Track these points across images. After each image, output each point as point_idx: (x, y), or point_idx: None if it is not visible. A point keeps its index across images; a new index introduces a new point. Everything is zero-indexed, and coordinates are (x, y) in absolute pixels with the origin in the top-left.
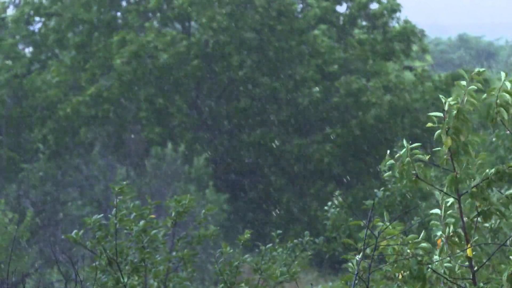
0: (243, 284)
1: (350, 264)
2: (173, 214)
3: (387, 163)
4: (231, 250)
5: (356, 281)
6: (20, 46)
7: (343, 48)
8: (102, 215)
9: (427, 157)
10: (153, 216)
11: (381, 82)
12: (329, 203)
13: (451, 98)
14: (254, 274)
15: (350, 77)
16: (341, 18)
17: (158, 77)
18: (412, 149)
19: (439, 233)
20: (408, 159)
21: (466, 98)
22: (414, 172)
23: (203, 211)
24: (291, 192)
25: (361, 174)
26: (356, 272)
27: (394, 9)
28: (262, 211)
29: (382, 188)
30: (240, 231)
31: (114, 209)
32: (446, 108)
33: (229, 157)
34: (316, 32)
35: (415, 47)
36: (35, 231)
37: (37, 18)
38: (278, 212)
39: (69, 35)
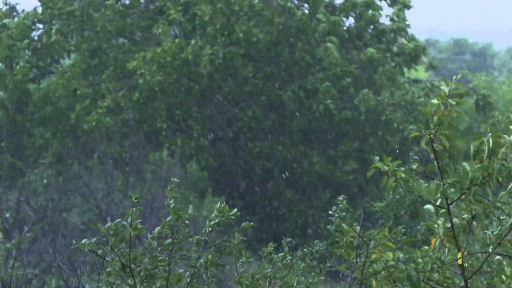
0: None
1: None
2: (208, 223)
3: (370, 173)
4: (251, 259)
5: None
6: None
7: (350, 62)
8: (119, 220)
9: (415, 166)
10: (187, 222)
11: (395, 100)
12: (334, 208)
13: (434, 104)
14: (265, 282)
15: (368, 92)
16: (347, 33)
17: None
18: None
19: (433, 229)
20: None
21: (448, 106)
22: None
23: (244, 224)
24: (299, 204)
25: (368, 185)
26: (350, 280)
27: (403, 28)
28: (268, 222)
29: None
30: (249, 241)
31: (130, 217)
32: (428, 117)
33: (234, 167)
34: (328, 44)
35: (423, 62)
36: (35, 238)
37: (39, 25)
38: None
39: (78, 38)
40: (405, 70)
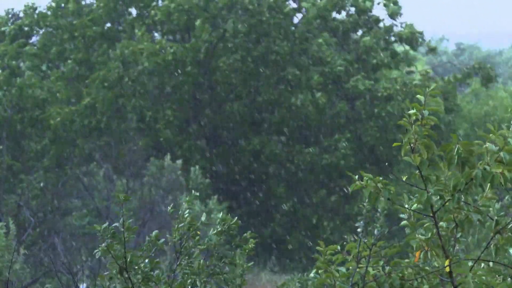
0: None
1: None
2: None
3: (352, 189)
4: (239, 261)
5: None
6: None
7: (344, 56)
8: (116, 224)
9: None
10: (199, 232)
11: (389, 90)
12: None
13: (412, 114)
14: None
15: (357, 78)
16: (341, 26)
17: (155, 86)
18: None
19: (414, 244)
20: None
21: (426, 115)
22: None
23: (218, 220)
24: (293, 201)
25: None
26: (350, 285)
27: (396, 12)
28: (263, 220)
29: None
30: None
31: (121, 218)
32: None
33: (228, 166)
34: (319, 40)
35: (420, 49)
36: (35, 242)
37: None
38: (279, 220)
39: (68, 46)
40: (405, 62)
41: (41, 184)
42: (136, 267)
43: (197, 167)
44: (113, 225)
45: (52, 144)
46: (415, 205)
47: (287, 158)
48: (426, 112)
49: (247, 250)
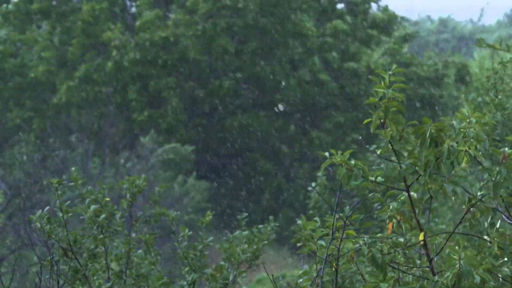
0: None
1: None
2: (128, 195)
3: (324, 166)
4: (190, 232)
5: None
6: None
7: (321, 33)
8: (48, 208)
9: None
10: (108, 199)
11: (366, 68)
12: (313, 184)
13: (378, 92)
14: (221, 257)
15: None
16: (319, 5)
17: (146, 61)
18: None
19: (386, 216)
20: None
21: (390, 94)
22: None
23: (157, 188)
24: (279, 177)
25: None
26: (325, 257)
27: None
28: (249, 196)
29: (318, 182)
30: (222, 217)
31: (57, 201)
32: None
33: (214, 142)
34: (303, 17)
35: (397, 33)
36: (12, 214)
37: None
38: (266, 197)
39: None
40: (382, 43)
41: (24, 158)
42: (80, 247)
43: (191, 147)
44: (46, 209)
45: (34, 118)
46: (379, 178)
47: (271, 133)
48: (389, 91)
49: (204, 223)
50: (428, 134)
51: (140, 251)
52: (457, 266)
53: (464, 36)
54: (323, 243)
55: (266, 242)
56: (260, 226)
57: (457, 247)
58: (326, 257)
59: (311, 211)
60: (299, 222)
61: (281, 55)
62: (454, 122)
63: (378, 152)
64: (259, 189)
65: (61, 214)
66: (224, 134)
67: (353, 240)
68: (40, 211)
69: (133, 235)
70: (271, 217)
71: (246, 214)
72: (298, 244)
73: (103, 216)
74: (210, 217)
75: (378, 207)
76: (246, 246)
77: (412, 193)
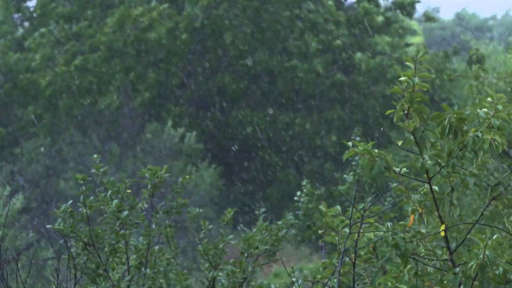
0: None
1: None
2: (149, 186)
3: (347, 156)
4: (211, 226)
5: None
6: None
7: (335, 21)
8: (71, 202)
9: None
10: (129, 191)
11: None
12: (298, 193)
13: (402, 81)
14: (239, 253)
15: (367, 56)
16: None
17: (149, 52)
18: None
19: (409, 208)
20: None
21: (415, 84)
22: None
23: (180, 179)
24: (287, 170)
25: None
26: (343, 250)
27: None
28: (256, 190)
29: (352, 173)
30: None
31: (81, 196)
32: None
33: (221, 134)
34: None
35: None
36: (29, 208)
37: None
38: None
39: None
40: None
41: (42, 149)
42: (102, 242)
43: (194, 133)
44: (69, 203)
45: (45, 111)
46: (404, 169)
47: (281, 127)
48: (416, 79)
49: (225, 221)
50: (447, 122)
51: (157, 246)
52: (481, 256)
53: None
54: (347, 230)
55: (286, 231)
56: (279, 222)
57: (483, 236)
58: (344, 249)
59: (306, 222)
60: (321, 207)
61: (293, 47)
62: (478, 111)
63: (399, 143)
64: (271, 183)
65: (84, 210)
66: (234, 129)
67: (374, 231)
68: (64, 205)
69: (153, 226)
70: (290, 213)
71: (264, 209)
72: (320, 231)
73: (125, 213)
74: (232, 214)
75: (392, 201)
76: (266, 235)
77: (434, 187)
